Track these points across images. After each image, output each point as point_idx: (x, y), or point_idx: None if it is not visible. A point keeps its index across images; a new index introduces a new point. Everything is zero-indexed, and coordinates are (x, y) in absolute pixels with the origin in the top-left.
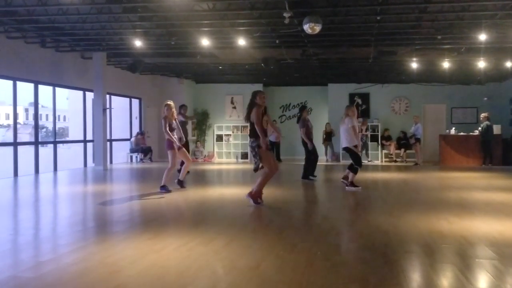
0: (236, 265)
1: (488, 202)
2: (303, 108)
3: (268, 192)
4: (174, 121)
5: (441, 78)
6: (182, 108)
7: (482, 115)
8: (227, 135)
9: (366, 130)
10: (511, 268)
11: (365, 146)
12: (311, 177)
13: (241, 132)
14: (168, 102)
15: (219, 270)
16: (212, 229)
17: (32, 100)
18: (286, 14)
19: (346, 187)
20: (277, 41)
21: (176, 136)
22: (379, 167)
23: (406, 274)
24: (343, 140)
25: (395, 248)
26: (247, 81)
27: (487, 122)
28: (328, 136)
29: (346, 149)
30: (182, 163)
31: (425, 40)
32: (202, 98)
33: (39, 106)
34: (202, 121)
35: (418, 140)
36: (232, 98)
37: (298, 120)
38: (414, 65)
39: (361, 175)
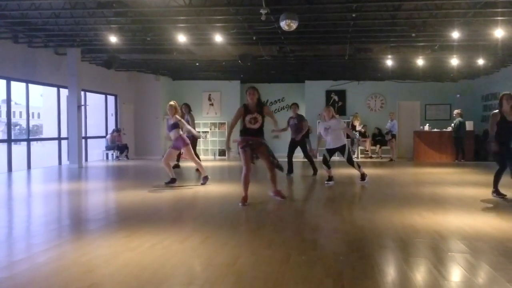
0: (212, 262)
1: (460, 197)
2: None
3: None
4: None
5: (415, 75)
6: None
7: (455, 111)
8: (205, 132)
9: (360, 125)
10: (482, 262)
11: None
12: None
13: (219, 129)
14: (171, 103)
15: (195, 267)
16: (188, 226)
17: (4, 97)
18: (263, 11)
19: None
20: (254, 38)
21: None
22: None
23: (380, 268)
24: (336, 140)
25: (370, 243)
26: (224, 78)
27: (459, 119)
28: (305, 133)
29: (343, 147)
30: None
31: (400, 37)
32: (179, 95)
33: (12, 103)
34: None
35: (394, 136)
36: (210, 95)
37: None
38: (389, 62)
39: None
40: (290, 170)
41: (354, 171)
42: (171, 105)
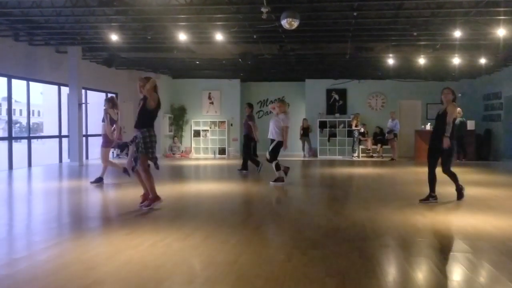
0: (213, 261)
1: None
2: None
3: (245, 188)
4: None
5: (416, 74)
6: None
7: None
8: (205, 130)
9: (356, 126)
10: (484, 261)
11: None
12: (244, 171)
13: (219, 128)
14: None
15: (196, 266)
16: (189, 224)
17: (5, 94)
18: (263, 9)
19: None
20: (254, 36)
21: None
22: (356, 162)
23: (382, 267)
24: (274, 132)
25: (371, 242)
26: (225, 77)
27: (460, 118)
28: (305, 132)
29: (273, 141)
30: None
31: (401, 36)
32: (179, 93)
33: (13, 100)
34: (179, 117)
35: (396, 135)
36: (210, 93)
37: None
38: (390, 61)
39: (340, 170)
40: (245, 167)
41: (355, 170)
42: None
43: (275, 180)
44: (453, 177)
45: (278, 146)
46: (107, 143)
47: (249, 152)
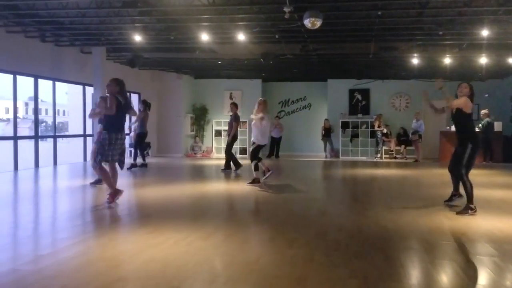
0: (235, 260)
1: (488, 199)
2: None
3: (265, 188)
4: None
5: (441, 74)
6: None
7: (483, 111)
8: (226, 130)
9: (379, 126)
10: (511, 265)
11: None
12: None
13: (240, 128)
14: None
15: (218, 265)
16: (210, 223)
17: (31, 94)
18: (286, 9)
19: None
20: (276, 36)
21: None
22: (379, 164)
23: (406, 270)
24: (260, 136)
25: (395, 244)
26: (246, 77)
27: (487, 119)
28: (327, 132)
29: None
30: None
31: (426, 35)
32: (201, 93)
33: (39, 100)
34: (200, 117)
35: (420, 136)
36: (231, 93)
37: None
38: (415, 61)
39: (362, 171)
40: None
41: (378, 172)
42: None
43: (253, 182)
44: (464, 184)
45: (253, 147)
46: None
47: (230, 151)
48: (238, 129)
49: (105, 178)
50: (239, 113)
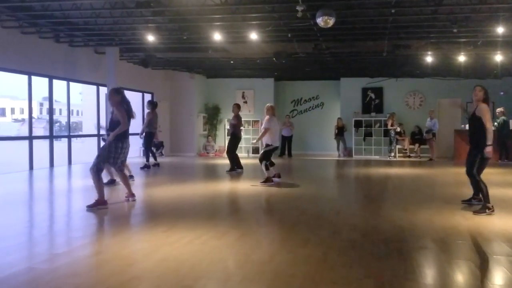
0: (249, 259)
1: (504, 198)
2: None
3: (278, 187)
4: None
5: (456, 72)
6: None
7: (498, 110)
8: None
9: (392, 125)
10: None
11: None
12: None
13: (252, 127)
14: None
15: (232, 264)
16: (224, 222)
17: (46, 94)
18: (299, 8)
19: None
20: (289, 35)
21: None
22: (393, 162)
23: (421, 269)
24: (271, 138)
25: (410, 243)
26: (258, 76)
27: (503, 117)
28: (340, 131)
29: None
30: None
31: (441, 33)
32: (213, 93)
33: (53, 100)
34: (213, 116)
35: (434, 135)
36: (243, 92)
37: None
38: (429, 59)
39: (376, 170)
40: (238, 166)
41: (392, 171)
42: None
43: (265, 181)
44: (477, 184)
45: (269, 150)
46: None
47: (234, 151)
48: (241, 128)
49: (98, 184)
50: (251, 112)
